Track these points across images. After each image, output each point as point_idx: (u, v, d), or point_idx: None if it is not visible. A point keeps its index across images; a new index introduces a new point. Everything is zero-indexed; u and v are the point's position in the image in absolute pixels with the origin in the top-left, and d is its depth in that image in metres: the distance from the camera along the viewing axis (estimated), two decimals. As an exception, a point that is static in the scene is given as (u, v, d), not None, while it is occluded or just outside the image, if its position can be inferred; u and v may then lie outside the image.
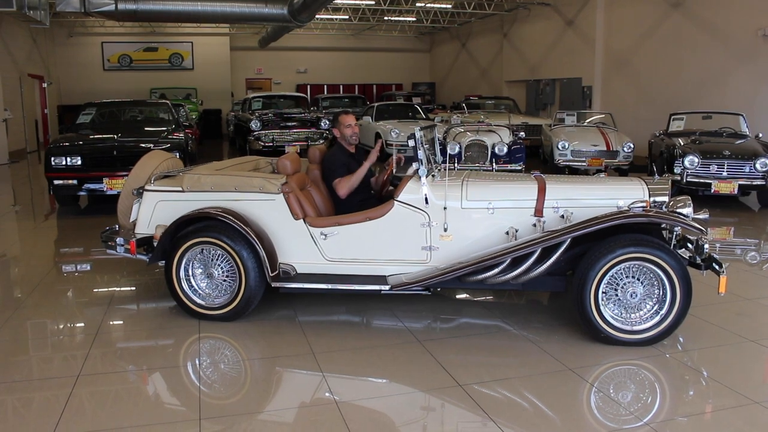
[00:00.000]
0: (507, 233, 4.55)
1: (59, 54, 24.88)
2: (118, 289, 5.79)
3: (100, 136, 9.70)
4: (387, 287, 4.46)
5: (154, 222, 4.93)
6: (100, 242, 5.44)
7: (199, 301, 4.74)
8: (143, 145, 9.25)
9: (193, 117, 18.26)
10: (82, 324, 4.90)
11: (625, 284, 4.20)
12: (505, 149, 11.09)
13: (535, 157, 15.39)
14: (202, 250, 4.69)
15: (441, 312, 5.12)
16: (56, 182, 8.97)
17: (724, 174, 9.53)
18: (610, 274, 4.17)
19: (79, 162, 8.96)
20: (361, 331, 4.72)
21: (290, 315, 4.97)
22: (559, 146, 12.56)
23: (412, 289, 4.45)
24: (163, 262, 4.81)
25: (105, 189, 8.94)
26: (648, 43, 16.11)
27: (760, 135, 10.60)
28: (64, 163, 8.94)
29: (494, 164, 10.91)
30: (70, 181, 8.98)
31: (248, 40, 27.17)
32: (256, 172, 5.06)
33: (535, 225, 4.55)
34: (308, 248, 4.69)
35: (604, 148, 12.57)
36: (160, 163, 5.40)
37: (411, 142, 4.53)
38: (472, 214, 4.58)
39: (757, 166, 9.40)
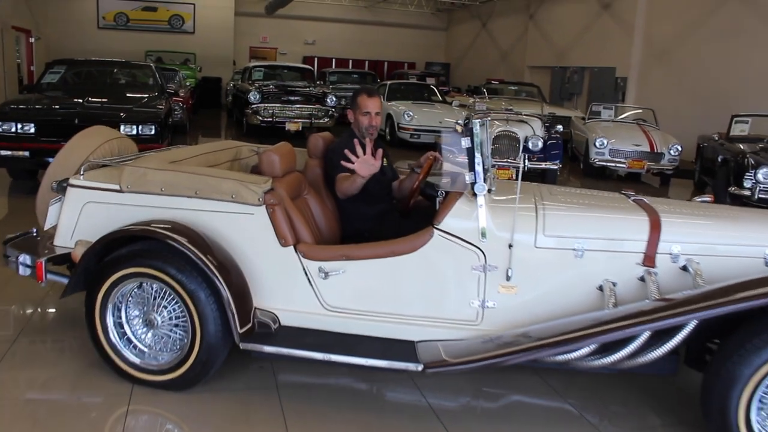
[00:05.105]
0: (600, 289, 3.02)
1: (51, 7, 23.03)
2: (37, 310, 4.26)
3: (63, 99, 8.10)
4: (418, 366, 2.90)
5: (79, 233, 3.39)
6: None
7: (132, 358, 3.20)
8: (111, 112, 7.68)
9: (188, 84, 16.59)
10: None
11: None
12: (540, 144, 9.51)
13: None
14: (141, 284, 3.15)
15: (483, 382, 3.60)
16: (2, 153, 7.38)
17: (804, 192, 7.98)
18: (774, 373, 2.63)
19: (33, 130, 7.37)
20: (371, 412, 3.20)
21: (266, 377, 3.44)
22: (597, 143, 11.07)
23: (455, 370, 2.90)
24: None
25: (63, 164, 7.35)
26: (697, 33, 14.39)
27: (839, 146, 9.00)
28: (13, 129, 7.34)
29: (526, 161, 9.31)
30: (21, 153, 7.40)
31: (254, 5, 25.35)
32: (231, 172, 3.50)
33: (643, 279, 3.01)
34: (299, 290, 3.15)
35: (648, 149, 11.08)
36: (100, 144, 3.82)
37: (464, 141, 2.98)
38: (549, 257, 3.03)
39: None
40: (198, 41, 24.34)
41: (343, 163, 3.38)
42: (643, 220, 3.08)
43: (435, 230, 3.04)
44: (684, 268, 3.01)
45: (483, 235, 2.99)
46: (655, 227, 3.04)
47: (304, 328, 3.16)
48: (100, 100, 8.26)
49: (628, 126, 12.11)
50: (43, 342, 3.82)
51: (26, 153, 7.41)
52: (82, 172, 3.43)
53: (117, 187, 3.30)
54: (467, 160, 3.00)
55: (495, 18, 24.31)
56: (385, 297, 3.11)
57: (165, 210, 3.22)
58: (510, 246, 2.98)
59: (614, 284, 3.01)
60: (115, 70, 10.08)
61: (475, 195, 2.97)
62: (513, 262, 2.99)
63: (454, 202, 3.05)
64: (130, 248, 3.09)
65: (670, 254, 3.03)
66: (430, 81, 20.04)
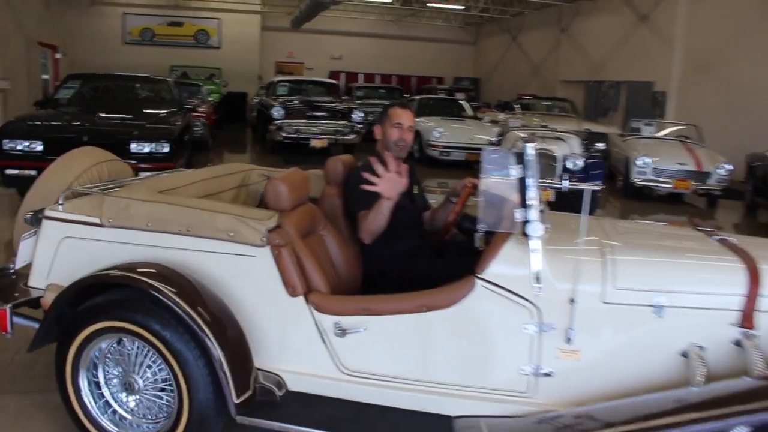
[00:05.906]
0: (685, 356, 2.41)
1: (77, 23, 23.02)
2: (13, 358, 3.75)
3: (74, 115, 7.71)
4: (456, 455, 2.32)
5: (56, 273, 2.88)
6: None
7: (109, 426, 2.66)
8: (123, 129, 7.25)
9: (210, 99, 16.25)
10: None
11: None
12: (581, 163, 8.86)
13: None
14: (120, 339, 2.62)
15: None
16: (8, 172, 6.98)
17: None
18: None
19: (40, 148, 6.97)
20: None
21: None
22: (639, 162, 10.39)
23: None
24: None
25: (73, 184, 6.94)
26: (743, 45, 13.63)
27: None
28: (20, 147, 6.98)
29: (565, 181, 8.63)
30: (28, 172, 6.97)
31: (280, 19, 25.13)
32: (229, 205, 2.94)
33: (739, 344, 2.39)
34: (311, 349, 2.59)
35: (694, 168, 10.37)
36: (87, 167, 3.31)
37: (516, 170, 2.40)
38: (621, 315, 2.42)
39: None
40: (224, 56, 24.21)
41: (365, 187, 2.85)
42: (738, 267, 2.47)
43: (477, 280, 2.45)
44: (792, 330, 2.39)
45: (537, 280, 2.40)
46: (754, 277, 2.43)
47: (316, 396, 2.59)
48: (112, 116, 7.86)
49: (671, 143, 11.42)
50: (14, 394, 3.31)
51: (33, 172, 6.99)
52: (60, 202, 2.92)
53: (98, 220, 2.78)
54: (518, 192, 2.43)
55: (525, 31, 23.74)
56: (415, 361, 2.53)
57: (151, 249, 2.69)
58: (572, 301, 2.39)
59: (702, 349, 2.40)
60: (132, 85, 9.70)
61: (527, 236, 2.39)
62: (575, 320, 2.40)
63: (502, 245, 2.46)
64: (106, 297, 2.56)
65: (774, 312, 2.41)
66: (459, 96, 19.52)
